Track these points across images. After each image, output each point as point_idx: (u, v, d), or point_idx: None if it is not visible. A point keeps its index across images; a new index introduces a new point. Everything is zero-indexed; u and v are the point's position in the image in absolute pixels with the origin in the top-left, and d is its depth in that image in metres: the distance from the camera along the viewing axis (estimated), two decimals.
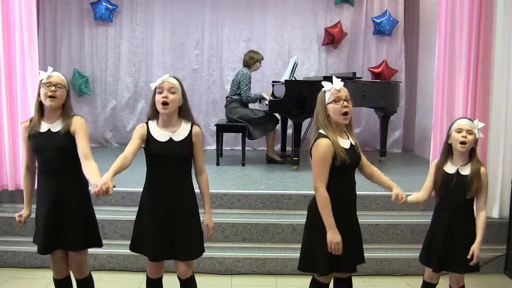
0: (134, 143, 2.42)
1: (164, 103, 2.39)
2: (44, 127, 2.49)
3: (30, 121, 2.53)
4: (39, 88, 2.48)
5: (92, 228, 2.61)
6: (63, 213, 2.49)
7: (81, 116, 2.56)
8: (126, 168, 2.35)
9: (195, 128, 2.51)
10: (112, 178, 2.23)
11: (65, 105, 2.52)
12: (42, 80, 2.48)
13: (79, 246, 2.57)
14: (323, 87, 2.40)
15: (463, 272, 2.61)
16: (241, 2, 7.07)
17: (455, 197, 2.56)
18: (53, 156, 2.47)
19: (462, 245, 2.54)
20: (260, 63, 5.86)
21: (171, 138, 2.45)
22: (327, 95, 2.36)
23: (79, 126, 2.48)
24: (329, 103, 2.35)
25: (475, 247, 2.51)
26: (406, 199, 2.46)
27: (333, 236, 2.30)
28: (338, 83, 2.36)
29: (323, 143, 2.30)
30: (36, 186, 2.60)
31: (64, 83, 2.51)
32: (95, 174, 2.33)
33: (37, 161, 2.55)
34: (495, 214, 3.78)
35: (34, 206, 2.60)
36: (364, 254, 2.53)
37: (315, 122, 2.42)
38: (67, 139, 2.46)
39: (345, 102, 2.33)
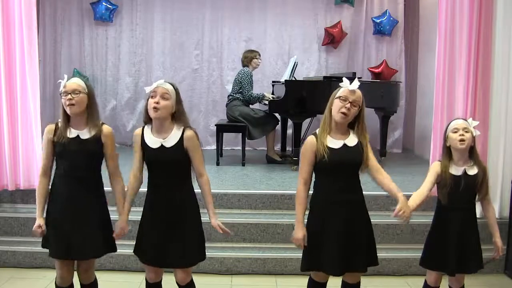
0: (136, 156, 2.51)
1: (155, 108, 2.38)
2: (73, 133, 2.47)
3: (55, 125, 2.50)
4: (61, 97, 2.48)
5: (111, 233, 2.59)
6: (86, 219, 2.47)
7: (107, 125, 2.59)
8: (140, 187, 2.53)
9: (187, 132, 2.44)
10: (128, 217, 2.53)
11: (90, 109, 2.49)
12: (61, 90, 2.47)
13: (99, 253, 2.57)
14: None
15: (476, 271, 2.61)
16: (241, 2, 7.06)
17: (465, 198, 2.56)
18: (81, 162, 2.47)
19: (473, 245, 2.57)
20: (257, 59, 5.84)
21: (162, 145, 2.43)
22: (339, 91, 2.35)
23: (110, 139, 2.56)
24: (336, 98, 2.35)
25: (499, 242, 2.57)
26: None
27: (295, 231, 2.42)
28: (353, 84, 2.35)
29: (308, 140, 2.39)
30: (50, 190, 2.54)
31: (81, 87, 2.45)
32: (119, 204, 2.56)
33: (59, 166, 2.50)
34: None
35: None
36: None
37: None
38: (98, 146, 2.52)
39: (349, 104, 2.30)
